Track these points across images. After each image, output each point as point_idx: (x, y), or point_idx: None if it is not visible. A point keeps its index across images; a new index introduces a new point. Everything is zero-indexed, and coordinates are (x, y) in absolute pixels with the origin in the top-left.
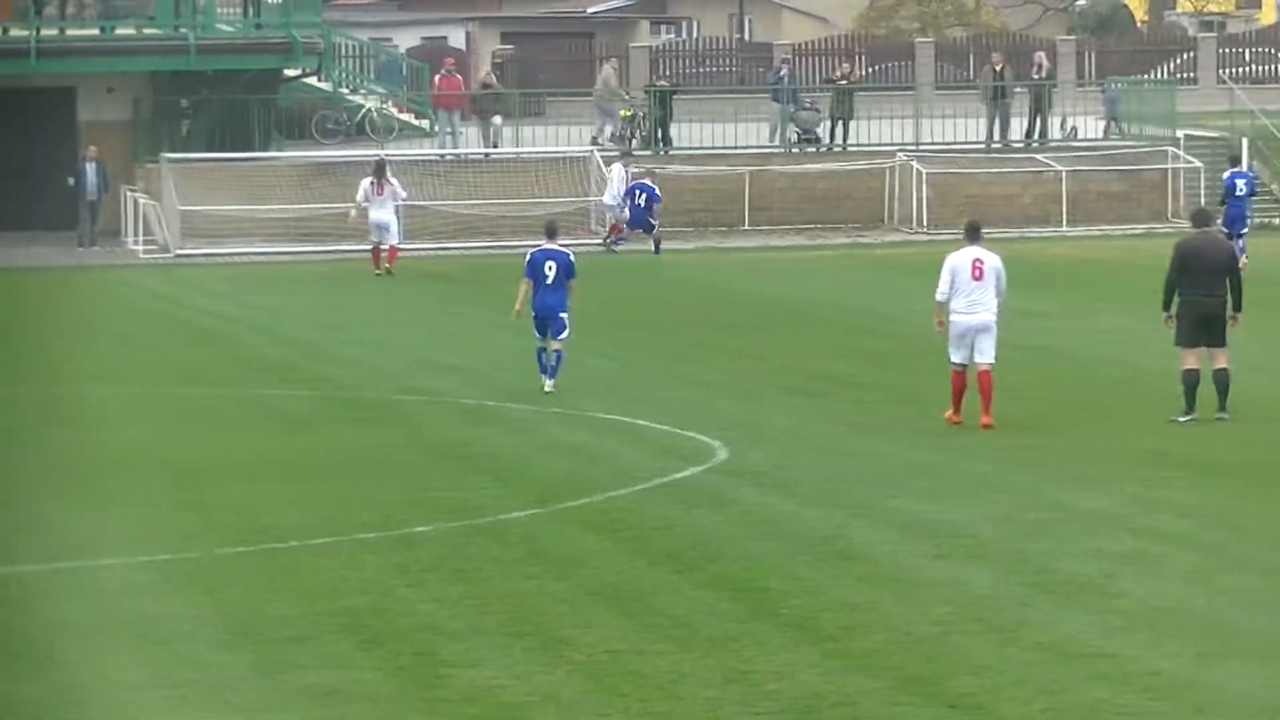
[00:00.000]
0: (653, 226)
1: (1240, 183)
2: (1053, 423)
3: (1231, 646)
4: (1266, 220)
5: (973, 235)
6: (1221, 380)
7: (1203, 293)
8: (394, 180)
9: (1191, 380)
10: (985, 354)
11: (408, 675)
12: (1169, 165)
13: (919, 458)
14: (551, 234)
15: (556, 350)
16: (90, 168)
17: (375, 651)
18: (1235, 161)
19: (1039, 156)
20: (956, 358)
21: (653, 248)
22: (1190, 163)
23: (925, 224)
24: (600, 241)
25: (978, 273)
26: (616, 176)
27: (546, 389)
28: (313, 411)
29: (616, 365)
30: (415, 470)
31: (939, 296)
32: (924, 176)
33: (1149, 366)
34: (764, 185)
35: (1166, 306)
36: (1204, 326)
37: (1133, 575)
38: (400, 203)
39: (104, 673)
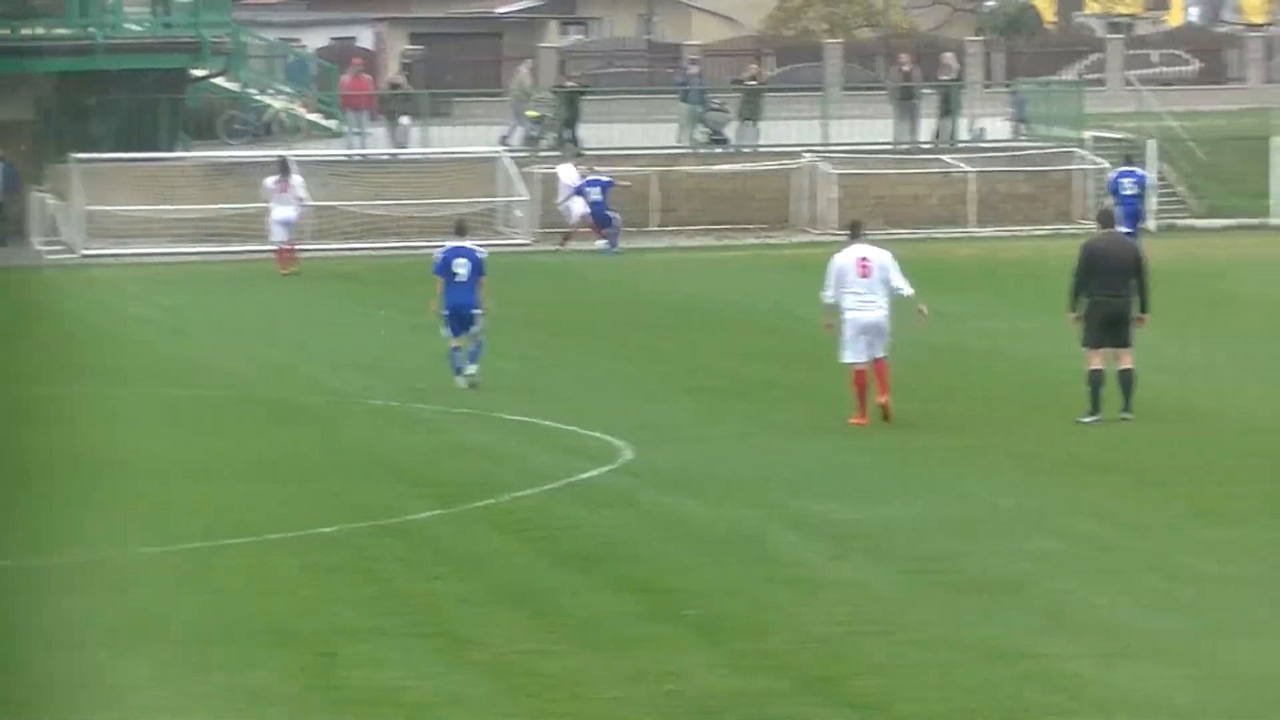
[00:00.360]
0: (610, 220)
1: (1127, 181)
2: (963, 423)
3: (1137, 647)
4: (1170, 221)
5: (856, 233)
6: (1127, 380)
7: (1108, 293)
8: (297, 179)
9: (1096, 381)
10: (879, 351)
11: (313, 676)
12: (1076, 166)
13: (828, 458)
14: (461, 232)
15: (475, 335)
16: None
17: (281, 652)
18: (1128, 160)
19: (947, 157)
20: (853, 357)
21: (608, 244)
22: (1097, 164)
23: (833, 225)
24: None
25: (864, 270)
26: (565, 177)
27: (470, 373)
28: (223, 412)
29: (525, 366)
30: (324, 471)
31: (825, 298)
32: (832, 177)
33: (1060, 367)
34: (672, 186)
35: (1073, 307)
36: (1109, 327)
37: (1039, 575)
38: (300, 204)
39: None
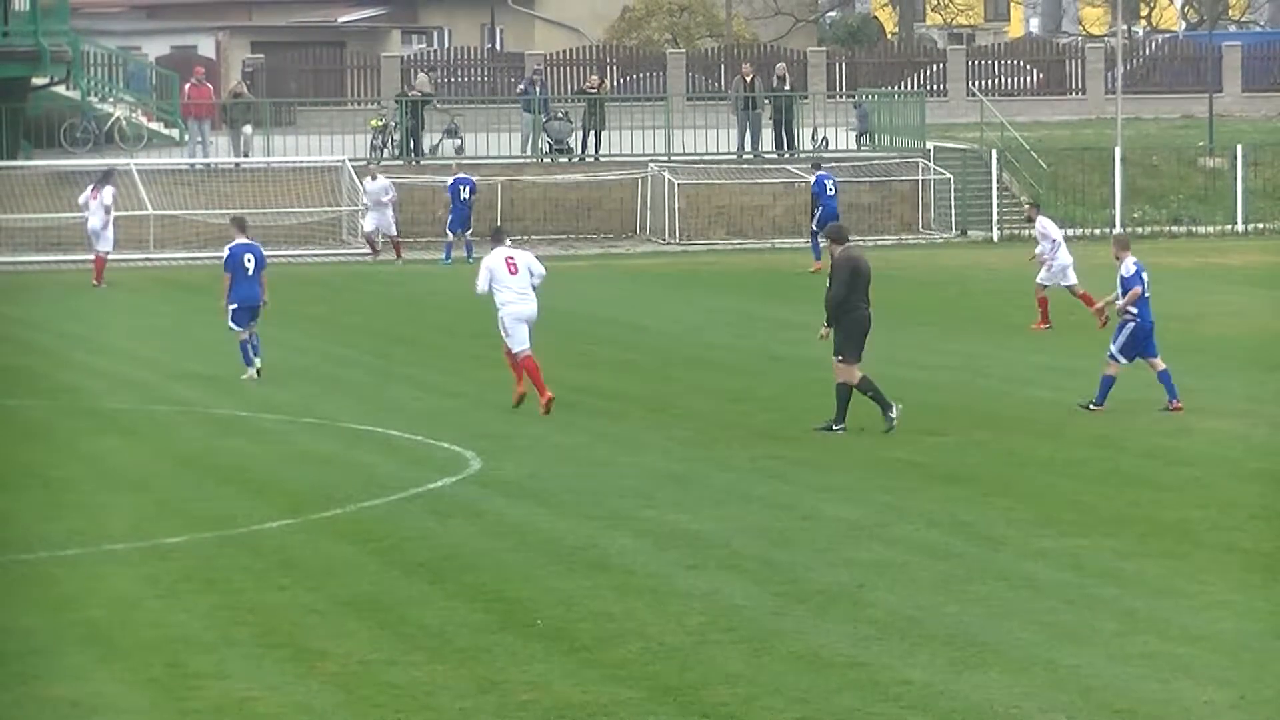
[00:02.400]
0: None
1: (829, 184)
2: (802, 433)
3: (980, 656)
4: (1014, 231)
5: (497, 238)
6: (871, 384)
7: (866, 304)
8: (105, 188)
9: (870, 386)
10: (530, 340)
11: (158, 687)
12: (919, 177)
13: (671, 467)
14: (243, 228)
15: (255, 327)
16: None
17: (122, 663)
18: (818, 166)
19: (790, 167)
20: (519, 346)
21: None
22: (940, 174)
23: (677, 235)
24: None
25: (513, 268)
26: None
27: (256, 371)
28: (58, 421)
29: (370, 375)
30: (165, 481)
31: (478, 290)
32: (676, 187)
33: (899, 376)
34: (516, 195)
35: (832, 321)
36: (865, 336)
37: (884, 584)
38: (109, 213)
39: None
